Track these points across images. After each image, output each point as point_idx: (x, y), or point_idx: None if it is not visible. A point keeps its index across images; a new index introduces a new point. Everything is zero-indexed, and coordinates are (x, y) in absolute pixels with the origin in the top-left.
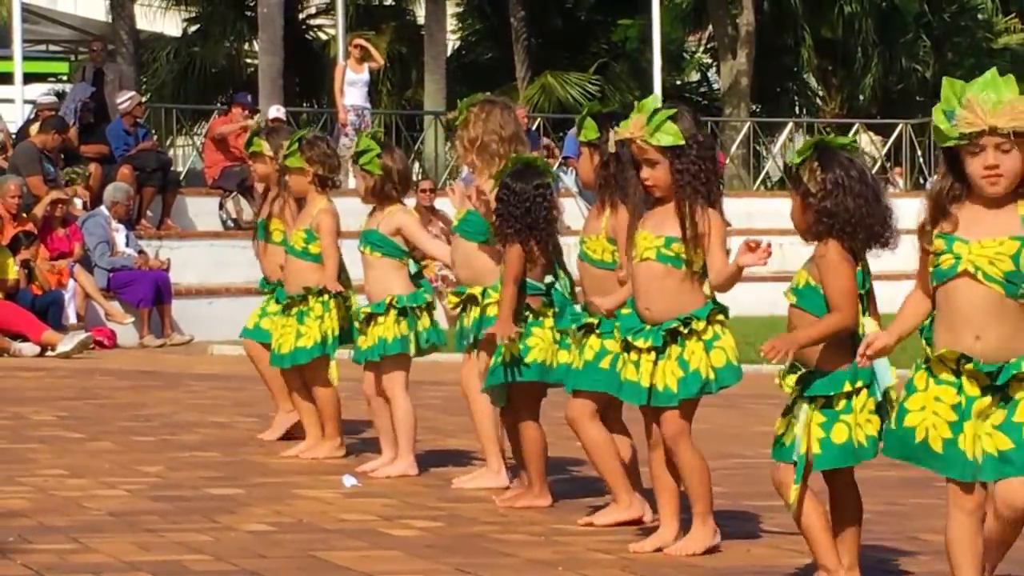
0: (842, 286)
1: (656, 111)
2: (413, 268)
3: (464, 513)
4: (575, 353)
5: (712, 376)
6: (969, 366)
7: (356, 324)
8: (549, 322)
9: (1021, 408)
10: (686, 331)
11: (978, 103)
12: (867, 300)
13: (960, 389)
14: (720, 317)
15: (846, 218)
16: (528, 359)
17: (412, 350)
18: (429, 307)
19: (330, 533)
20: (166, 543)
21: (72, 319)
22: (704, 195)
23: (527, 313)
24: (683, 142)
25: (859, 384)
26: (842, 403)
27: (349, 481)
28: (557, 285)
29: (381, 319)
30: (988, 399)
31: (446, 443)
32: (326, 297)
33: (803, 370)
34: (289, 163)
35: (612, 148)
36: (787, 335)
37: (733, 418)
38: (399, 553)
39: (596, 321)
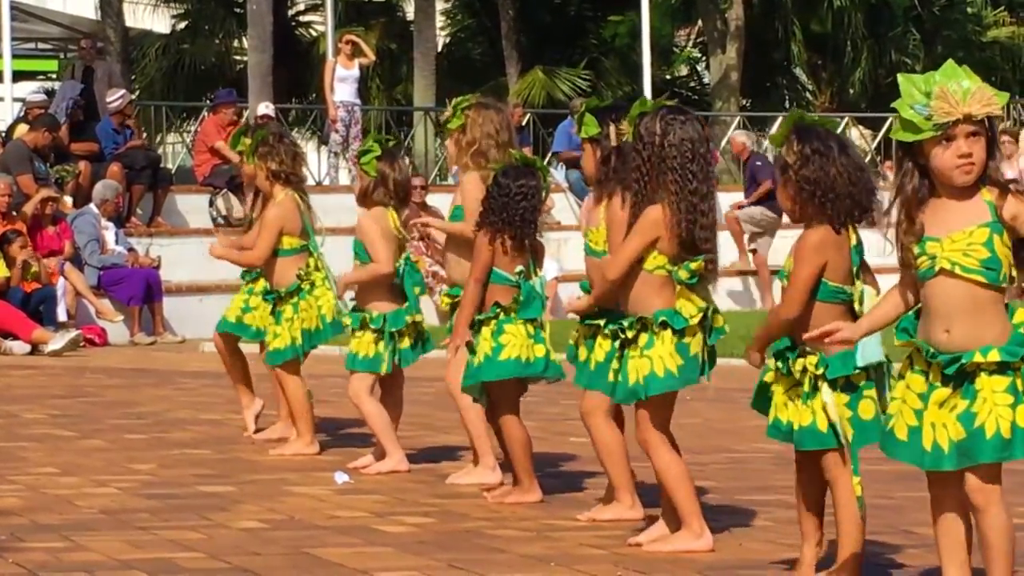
0: (800, 276)
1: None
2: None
3: (456, 509)
4: (584, 350)
5: (640, 383)
6: (936, 360)
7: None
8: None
9: (979, 399)
10: (622, 336)
11: (950, 93)
12: (862, 271)
13: (928, 378)
14: (659, 324)
15: (828, 184)
16: (502, 357)
17: (383, 369)
18: (416, 324)
19: (322, 530)
20: (158, 541)
21: (63, 317)
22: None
23: (498, 310)
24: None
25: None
26: (863, 379)
27: (341, 478)
28: (533, 281)
29: (358, 333)
30: (948, 389)
31: (438, 439)
32: (296, 299)
33: (819, 354)
34: (246, 163)
35: (613, 142)
36: (750, 345)
37: (724, 412)
38: (391, 549)
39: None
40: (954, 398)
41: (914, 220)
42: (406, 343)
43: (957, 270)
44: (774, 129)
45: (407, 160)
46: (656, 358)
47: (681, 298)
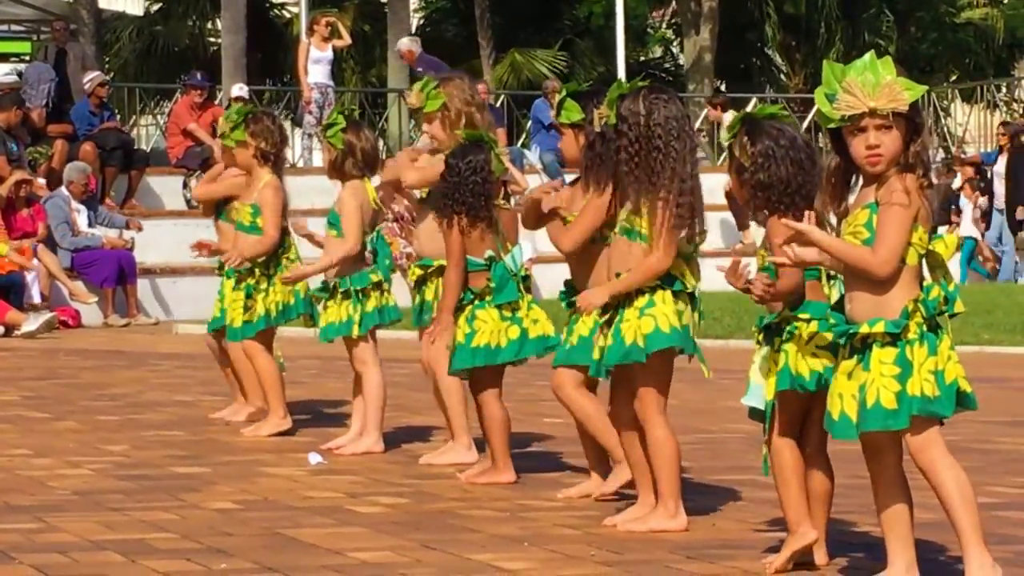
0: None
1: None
2: (370, 246)
3: (430, 489)
4: (566, 329)
5: (639, 343)
6: (833, 331)
7: (316, 304)
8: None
9: (872, 370)
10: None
11: (857, 86)
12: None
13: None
14: (658, 285)
15: (781, 188)
16: (473, 344)
17: (355, 332)
18: (380, 285)
19: (296, 510)
20: (131, 522)
21: (36, 299)
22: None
23: (472, 296)
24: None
25: (805, 315)
26: (787, 331)
27: (315, 458)
28: (505, 259)
29: (330, 302)
30: (854, 361)
31: (412, 420)
32: (271, 270)
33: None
34: (234, 136)
35: (597, 128)
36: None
37: (699, 393)
38: (365, 530)
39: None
40: (857, 369)
41: (838, 197)
42: (371, 305)
43: None
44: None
45: (379, 139)
46: (660, 315)
47: (677, 271)
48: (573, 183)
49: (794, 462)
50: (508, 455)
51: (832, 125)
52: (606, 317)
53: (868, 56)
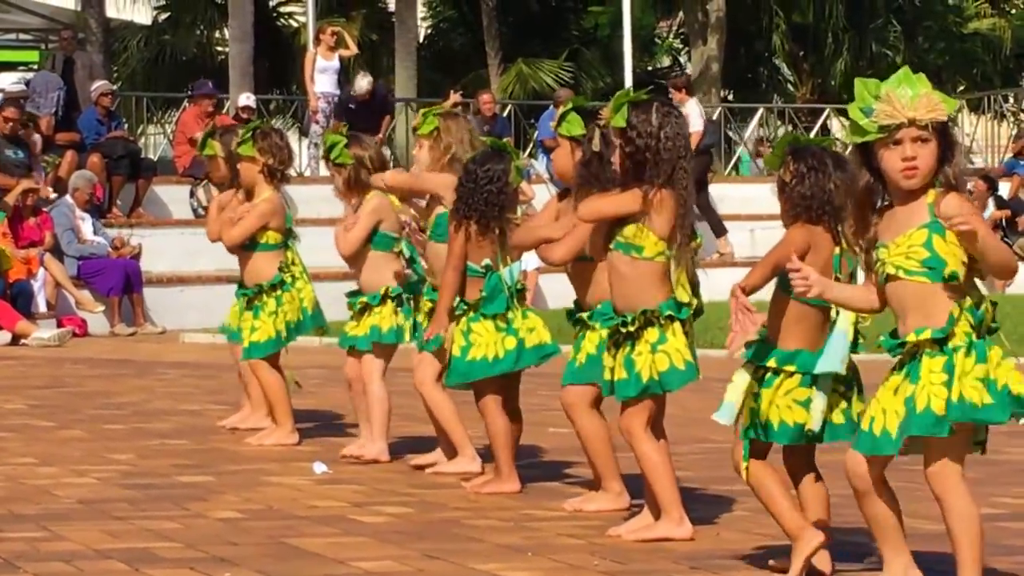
0: (775, 253)
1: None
2: (407, 252)
3: (434, 499)
4: (573, 347)
5: (656, 378)
6: (880, 345)
7: (350, 312)
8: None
9: (922, 378)
10: (624, 331)
11: (896, 97)
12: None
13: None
14: (670, 316)
15: (824, 199)
16: (469, 357)
17: (406, 338)
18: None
19: (300, 520)
20: (136, 531)
21: (42, 307)
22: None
23: (466, 307)
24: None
25: (790, 368)
26: (768, 376)
27: (319, 468)
28: (502, 270)
29: (377, 308)
30: (901, 376)
31: (418, 429)
32: (279, 292)
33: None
34: (241, 151)
35: (596, 147)
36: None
37: (704, 402)
38: (369, 539)
39: (587, 314)
40: (904, 383)
41: (866, 222)
42: (421, 316)
43: (901, 273)
44: (754, 121)
45: (387, 151)
46: (674, 352)
47: (678, 286)
48: (561, 196)
49: (772, 475)
50: (513, 465)
51: (869, 138)
52: (612, 340)
53: (902, 71)
